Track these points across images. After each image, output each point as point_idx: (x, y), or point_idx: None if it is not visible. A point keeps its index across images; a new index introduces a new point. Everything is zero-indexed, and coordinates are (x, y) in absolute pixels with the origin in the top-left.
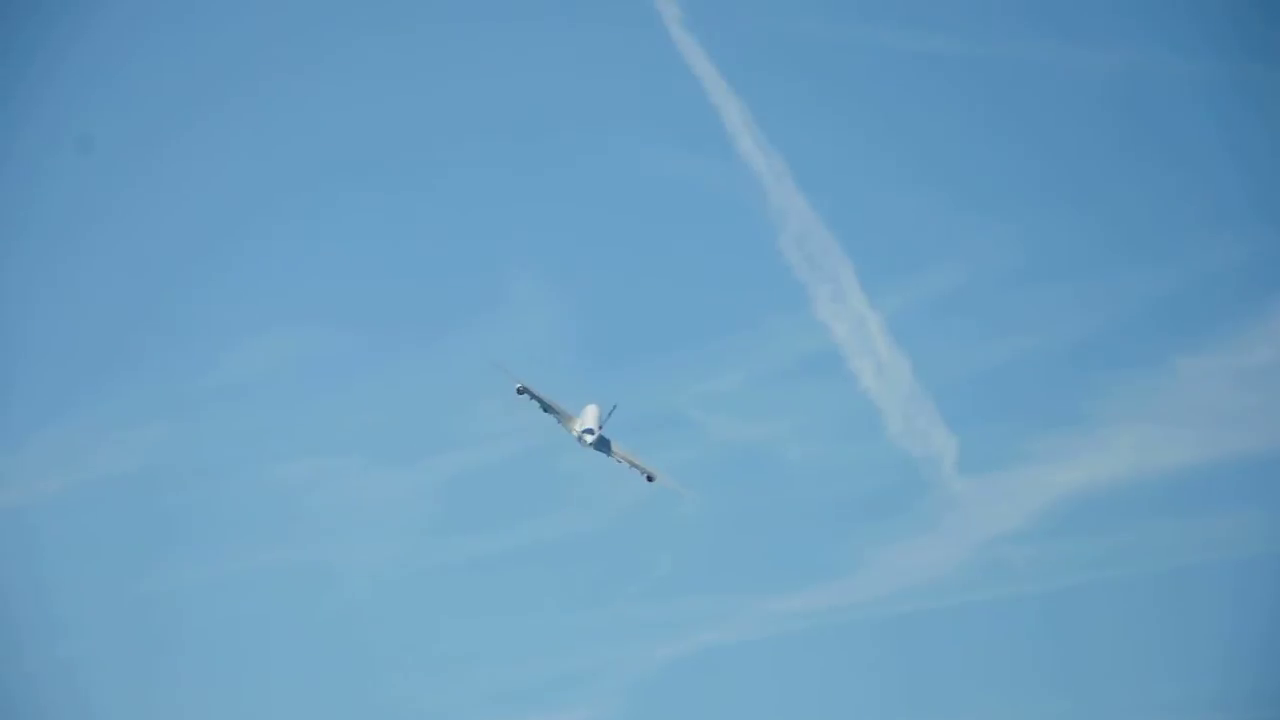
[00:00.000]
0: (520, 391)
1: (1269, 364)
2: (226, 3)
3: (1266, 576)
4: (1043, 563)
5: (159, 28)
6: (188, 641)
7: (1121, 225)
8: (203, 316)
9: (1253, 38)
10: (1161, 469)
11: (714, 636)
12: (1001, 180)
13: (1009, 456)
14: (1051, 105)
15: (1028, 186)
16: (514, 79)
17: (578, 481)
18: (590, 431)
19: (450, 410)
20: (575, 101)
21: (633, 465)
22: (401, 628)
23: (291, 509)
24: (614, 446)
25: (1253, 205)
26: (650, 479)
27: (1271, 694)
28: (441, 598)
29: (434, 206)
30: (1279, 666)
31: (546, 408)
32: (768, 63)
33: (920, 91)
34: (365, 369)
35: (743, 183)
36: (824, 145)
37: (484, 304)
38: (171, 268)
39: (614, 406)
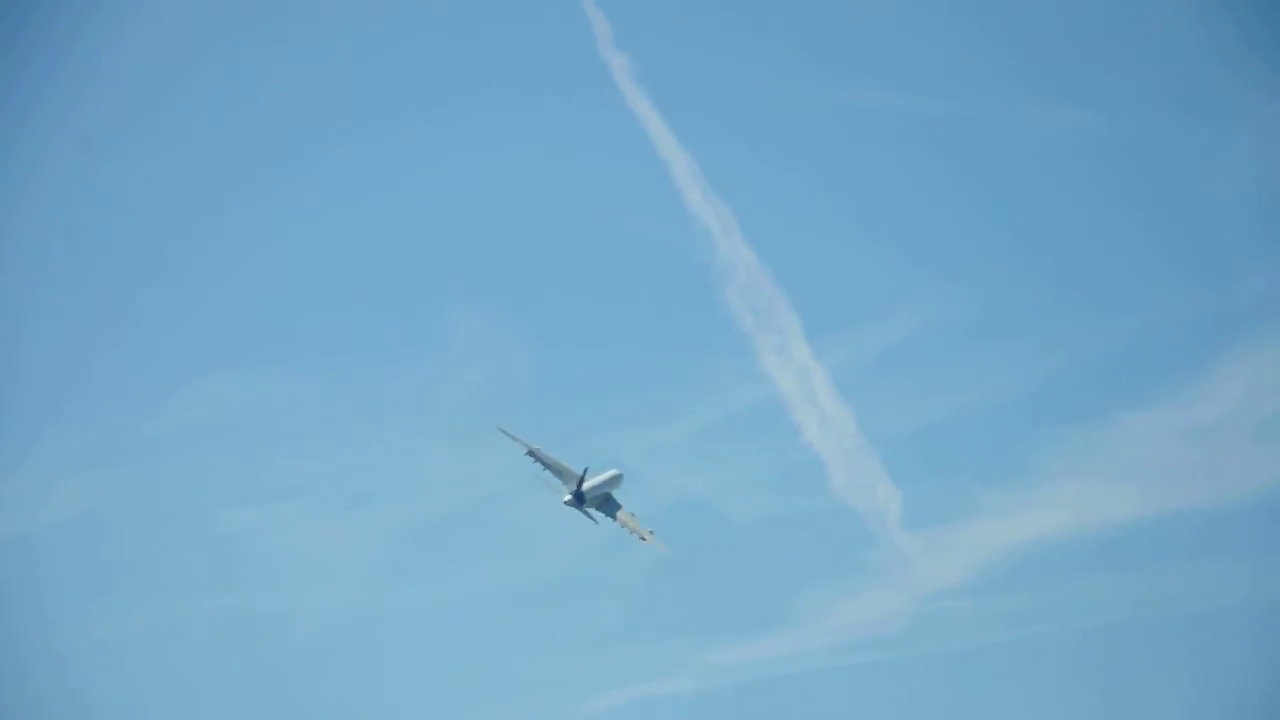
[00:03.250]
0: (530, 455)
1: (1212, 421)
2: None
3: (1208, 631)
4: (986, 616)
5: None
6: (134, 686)
7: (1069, 283)
8: (144, 362)
9: (1197, 97)
10: (1104, 524)
11: (656, 687)
12: (951, 237)
13: (953, 511)
14: (1003, 163)
15: (977, 243)
16: (467, 128)
17: (524, 532)
18: (574, 492)
19: (395, 456)
20: (526, 152)
21: (631, 530)
22: (344, 676)
23: (236, 556)
24: (620, 513)
25: (1196, 266)
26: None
27: None
28: (385, 646)
29: (380, 245)
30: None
31: (555, 470)
32: (718, 116)
33: (872, 147)
34: (307, 413)
35: (691, 236)
36: (773, 199)
37: (424, 345)
38: (107, 315)
39: (584, 469)
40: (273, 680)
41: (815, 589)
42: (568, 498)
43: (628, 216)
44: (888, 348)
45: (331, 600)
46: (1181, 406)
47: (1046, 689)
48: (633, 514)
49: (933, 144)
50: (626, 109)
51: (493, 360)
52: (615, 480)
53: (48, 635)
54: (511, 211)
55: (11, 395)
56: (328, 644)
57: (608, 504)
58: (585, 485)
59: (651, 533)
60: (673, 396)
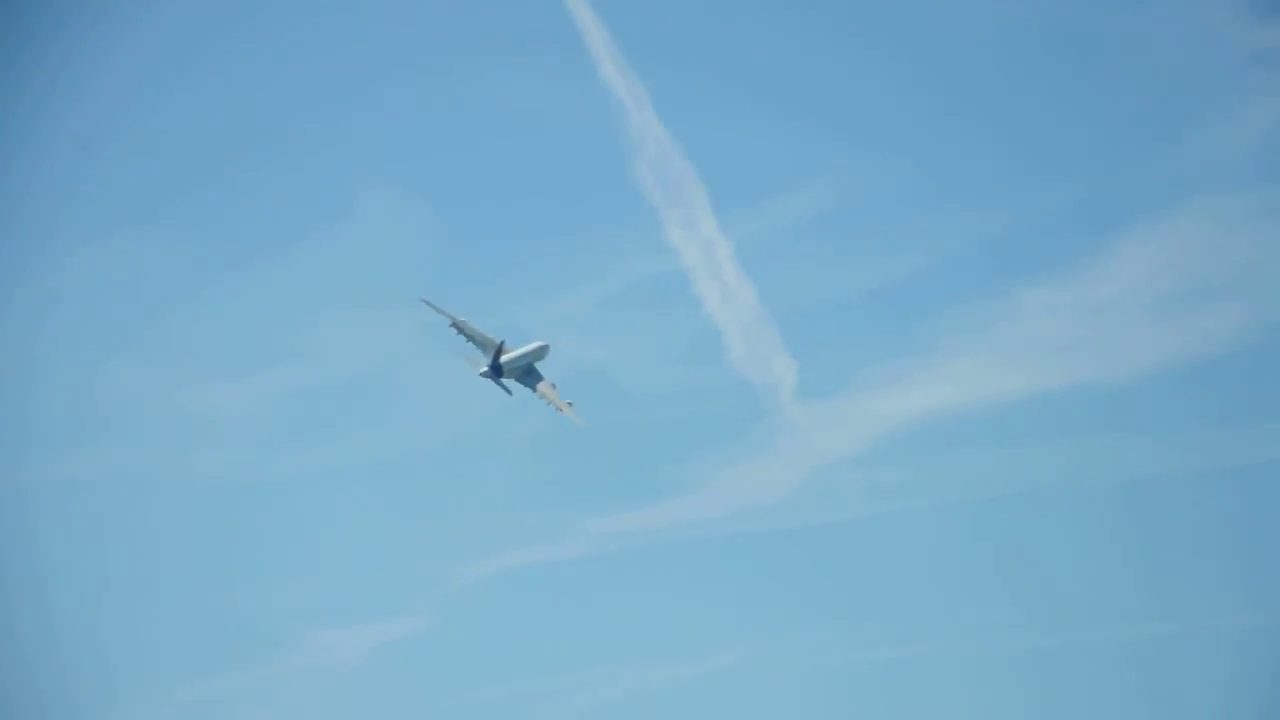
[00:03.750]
0: (454, 327)
1: (1109, 298)
2: None
3: (1098, 504)
4: (876, 488)
5: None
6: (18, 548)
7: (976, 159)
8: (51, 222)
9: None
10: (997, 399)
11: (547, 552)
12: (862, 111)
13: (849, 384)
14: (917, 35)
15: (888, 118)
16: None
17: (425, 397)
18: (491, 363)
19: (299, 323)
20: (436, 25)
21: (549, 401)
22: (239, 537)
23: (133, 419)
24: (540, 384)
25: (1098, 144)
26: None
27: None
28: (275, 510)
29: (286, 123)
30: (1101, 586)
31: (479, 343)
32: None
33: (788, 24)
34: (216, 280)
35: (603, 108)
36: (689, 75)
37: (333, 218)
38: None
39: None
40: (158, 542)
41: (709, 459)
42: (484, 369)
43: (540, 88)
44: (794, 222)
45: (223, 463)
46: (1080, 284)
47: (933, 560)
48: (554, 385)
49: (848, 16)
50: None
51: (400, 231)
52: (540, 352)
53: None
54: (414, 82)
55: None
56: (217, 507)
57: (530, 375)
58: (507, 357)
59: (570, 404)
60: (577, 267)
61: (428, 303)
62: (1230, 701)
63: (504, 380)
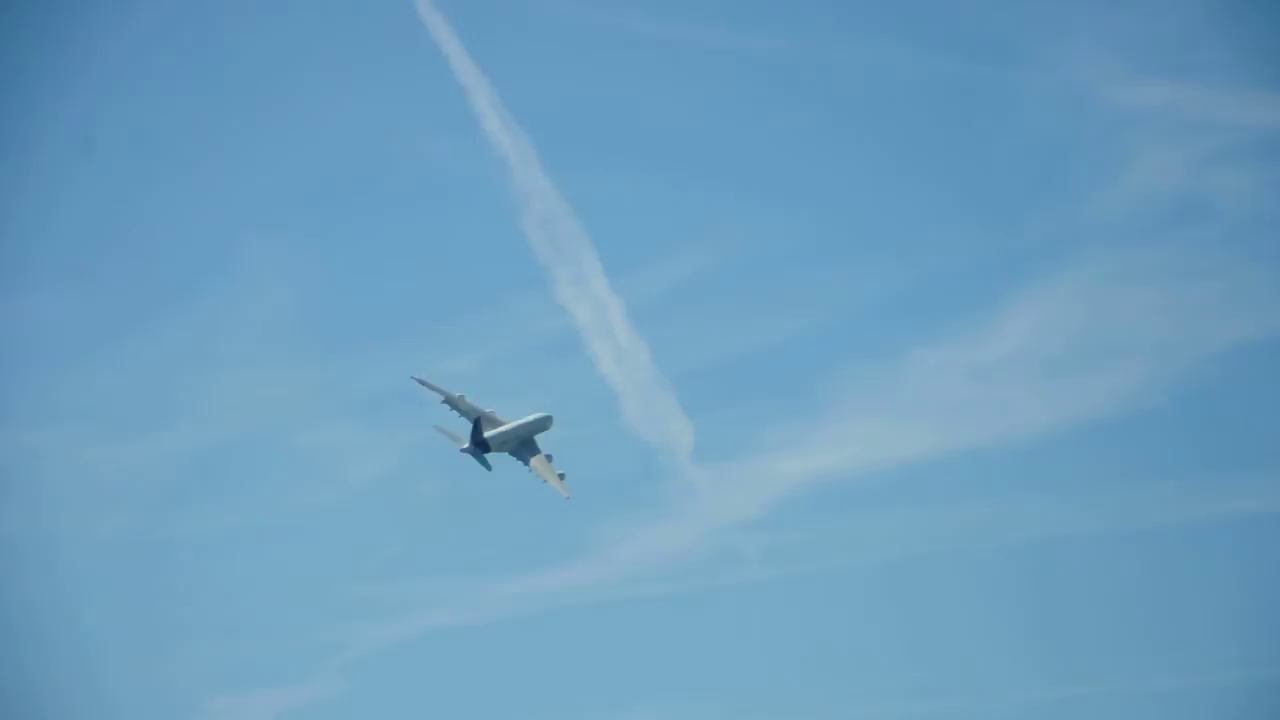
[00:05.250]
0: (447, 403)
1: (999, 359)
2: None
3: (991, 566)
4: (775, 550)
5: None
6: None
7: (865, 221)
8: None
9: (985, 37)
10: (893, 460)
11: (445, 618)
12: (751, 170)
13: (745, 445)
14: (807, 98)
15: (776, 177)
16: (255, 43)
17: (317, 457)
18: (475, 439)
19: (181, 383)
20: (320, 74)
21: (540, 475)
22: (135, 601)
23: (12, 479)
24: (534, 459)
25: (987, 205)
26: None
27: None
28: (162, 573)
29: (171, 172)
30: (1001, 649)
31: (474, 417)
32: (518, 45)
33: (671, 78)
34: (97, 338)
35: (488, 163)
36: (574, 129)
37: (215, 272)
38: None
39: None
40: (50, 607)
41: (609, 521)
42: (465, 446)
43: (425, 143)
44: (685, 280)
45: (119, 526)
46: (970, 345)
47: (833, 624)
48: (549, 457)
49: (739, 76)
50: (426, 35)
51: (286, 287)
52: (541, 424)
53: None
54: (306, 138)
55: None
56: (112, 570)
57: (525, 448)
58: (499, 430)
59: (563, 477)
60: (468, 326)
61: (420, 381)
62: None
63: (491, 454)
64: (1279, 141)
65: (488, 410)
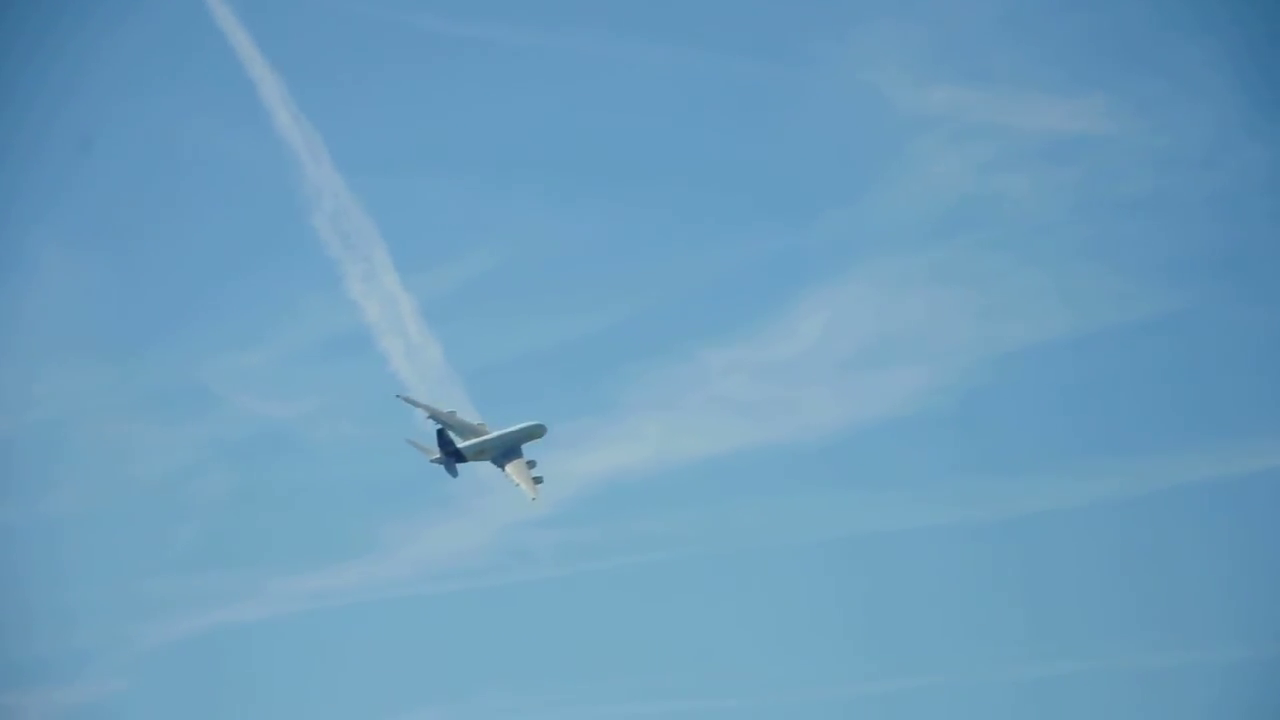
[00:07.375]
0: (432, 419)
1: (789, 359)
2: None
3: (777, 566)
4: (565, 548)
5: None
6: None
7: (657, 219)
8: None
9: (778, 37)
10: (683, 459)
11: (234, 613)
12: (543, 168)
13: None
14: (603, 97)
15: (570, 175)
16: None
17: (111, 454)
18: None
19: None
20: (107, 67)
21: (515, 480)
22: None
23: None
24: (512, 463)
25: (777, 204)
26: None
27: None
28: None
29: None
30: (795, 648)
31: (459, 429)
32: (311, 41)
33: (466, 78)
34: None
35: (279, 158)
36: (367, 126)
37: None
38: None
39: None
40: None
41: (398, 518)
42: (435, 458)
43: (214, 135)
44: (475, 277)
45: None
46: (759, 345)
47: (621, 620)
48: (531, 463)
49: (535, 76)
50: (215, 27)
51: (73, 284)
52: (531, 432)
53: None
54: (93, 133)
55: None
56: None
57: (509, 455)
58: (481, 440)
59: (539, 482)
60: (258, 322)
61: (404, 399)
62: None
63: (470, 463)
64: (1060, 146)
65: (476, 423)
